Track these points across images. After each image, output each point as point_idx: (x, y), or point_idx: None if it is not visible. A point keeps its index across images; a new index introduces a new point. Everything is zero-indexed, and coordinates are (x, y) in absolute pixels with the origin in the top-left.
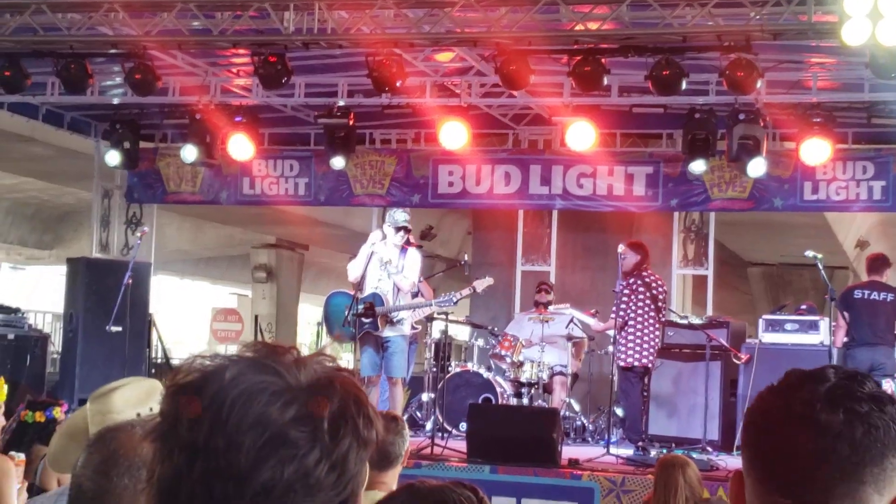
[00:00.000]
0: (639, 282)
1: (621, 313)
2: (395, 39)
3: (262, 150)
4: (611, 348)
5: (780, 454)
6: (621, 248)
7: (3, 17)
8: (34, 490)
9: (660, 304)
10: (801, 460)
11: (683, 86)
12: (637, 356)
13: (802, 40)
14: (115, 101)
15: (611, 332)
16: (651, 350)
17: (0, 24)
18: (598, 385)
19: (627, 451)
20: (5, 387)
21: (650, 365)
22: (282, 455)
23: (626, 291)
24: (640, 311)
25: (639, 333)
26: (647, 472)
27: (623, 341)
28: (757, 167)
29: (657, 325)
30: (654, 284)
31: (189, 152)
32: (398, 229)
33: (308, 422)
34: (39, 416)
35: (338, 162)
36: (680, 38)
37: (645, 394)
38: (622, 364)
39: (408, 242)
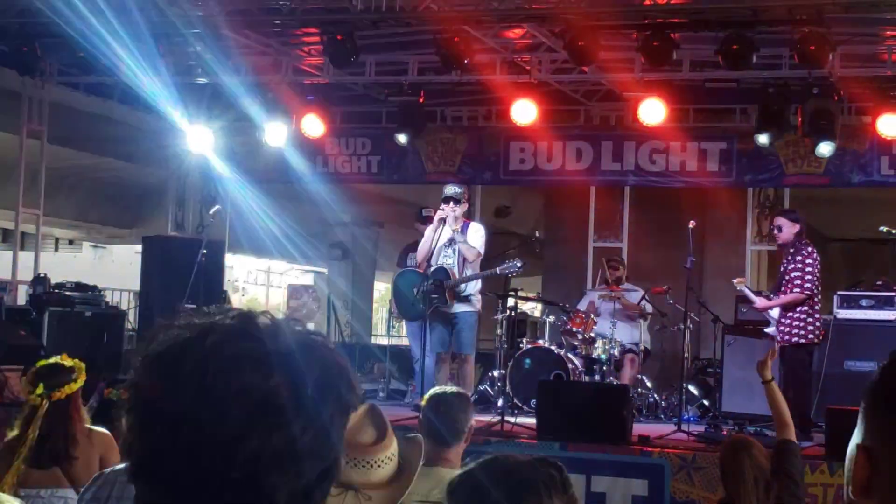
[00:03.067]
0: (813, 251)
1: (807, 285)
2: (463, 16)
3: (334, 129)
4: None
5: None
6: (778, 220)
7: None
8: None
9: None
10: None
11: (753, 60)
12: (818, 332)
13: (875, 13)
14: (200, 80)
15: (774, 313)
16: (821, 327)
17: (73, 6)
18: (671, 362)
19: (699, 428)
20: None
21: (817, 340)
22: (268, 423)
23: (808, 261)
24: (818, 284)
25: (817, 307)
26: (719, 449)
27: (803, 315)
28: (826, 148)
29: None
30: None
31: (271, 135)
32: (445, 200)
33: (293, 389)
34: (125, 394)
35: (402, 137)
36: (750, 11)
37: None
38: (802, 341)
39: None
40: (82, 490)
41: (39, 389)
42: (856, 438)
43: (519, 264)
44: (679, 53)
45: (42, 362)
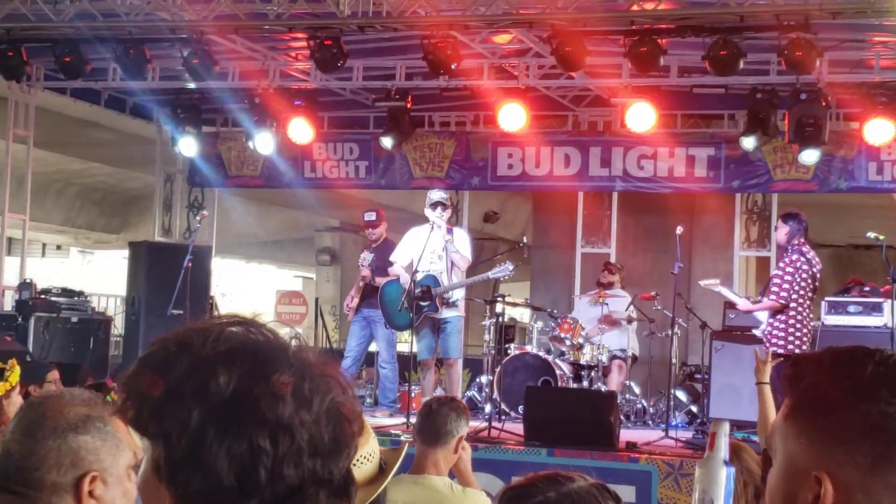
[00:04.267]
0: (800, 257)
1: (783, 293)
2: (450, 22)
3: (322, 134)
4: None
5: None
6: (779, 220)
7: (62, 3)
8: None
9: (817, 283)
10: None
11: (741, 66)
12: (798, 343)
13: (862, 19)
14: (187, 86)
15: (762, 316)
16: (806, 337)
17: (59, 11)
18: (659, 368)
19: (686, 435)
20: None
21: (798, 352)
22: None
23: (788, 269)
24: (801, 292)
25: (799, 317)
26: None
27: (782, 325)
28: (809, 156)
29: (811, 309)
30: (814, 261)
31: (258, 140)
32: (434, 205)
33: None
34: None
35: (387, 141)
36: (737, 17)
37: None
38: (782, 351)
39: (449, 222)
40: None
41: None
42: (802, 460)
43: (511, 267)
44: (667, 59)
45: None
